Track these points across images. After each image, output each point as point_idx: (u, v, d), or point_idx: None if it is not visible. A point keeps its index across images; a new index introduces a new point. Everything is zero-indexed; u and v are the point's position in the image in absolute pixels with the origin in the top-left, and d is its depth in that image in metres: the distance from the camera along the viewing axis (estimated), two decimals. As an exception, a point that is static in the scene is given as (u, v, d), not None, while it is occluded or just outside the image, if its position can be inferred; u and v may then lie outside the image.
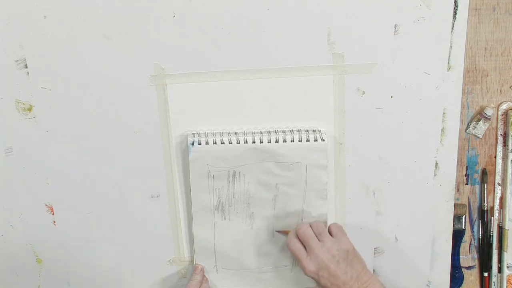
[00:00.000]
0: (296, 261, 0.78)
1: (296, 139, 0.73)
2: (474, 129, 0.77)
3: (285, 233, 0.76)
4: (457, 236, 0.81)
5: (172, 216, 0.78)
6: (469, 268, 0.83)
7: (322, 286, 0.69)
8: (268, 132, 0.74)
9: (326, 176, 0.75)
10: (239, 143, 0.73)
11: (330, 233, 0.72)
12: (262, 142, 0.73)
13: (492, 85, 0.76)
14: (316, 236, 0.71)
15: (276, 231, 0.77)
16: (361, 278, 0.69)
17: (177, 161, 0.76)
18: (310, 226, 0.72)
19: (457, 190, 0.80)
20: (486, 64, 0.75)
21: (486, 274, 0.82)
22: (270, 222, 0.77)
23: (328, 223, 0.76)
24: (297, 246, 0.71)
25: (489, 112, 0.76)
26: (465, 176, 0.80)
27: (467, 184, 0.80)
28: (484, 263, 0.82)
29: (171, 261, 0.81)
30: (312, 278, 0.70)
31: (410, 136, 0.75)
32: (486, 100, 0.77)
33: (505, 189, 0.79)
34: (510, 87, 0.76)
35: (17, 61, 0.72)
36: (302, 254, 0.70)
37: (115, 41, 0.71)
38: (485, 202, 0.80)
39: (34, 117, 0.74)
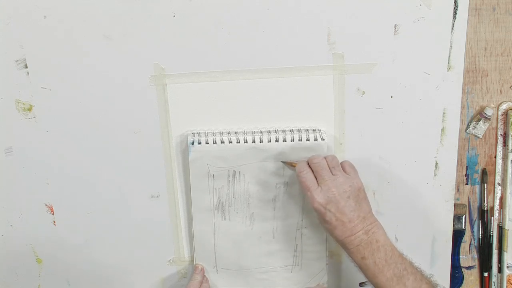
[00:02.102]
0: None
1: (296, 139, 0.73)
2: (474, 129, 0.77)
3: (291, 165, 0.73)
4: (457, 236, 0.81)
5: (172, 216, 0.78)
6: (469, 268, 0.83)
7: (325, 221, 0.67)
8: (268, 132, 0.74)
9: (326, 176, 0.75)
10: (239, 142, 0.73)
11: (343, 169, 0.70)
12: (262, 142, 0.73)
13: (492, 85, 0.76)
14: (329, 169, 0.69)
15: (282, 161, 0.74)
16: (367, 220, 0.67)
17: (177, 161, 0.76)
18: (325, 158, 0.70)
19: (457, 190, 0.80)
20: (486, 64, 0.75)
21: (486, 274, 0.82)
22: (270, 222, 0.77)
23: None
24: (308, 175, 0.68)
25: (489, 112, 0.76)
26: (465, 176, 0.80)
27: (467, 184, 0.80)
28: (484, 263, 0.82)
29: (171, 261, 0.81)
30: (318, 211, 0.67)
31: (410, 136, 0.75)
32: (486, 100, 0.77)
33: (505, 189, 0.79)
34: (510, 87, 0.76)
35: (17, 61, 0.72)
36: (313, 184, 0.68)
37: (115, 41, 0.71)
38: (485, 202, 0.80)
39: (34, 117, 0.74)
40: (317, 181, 0.68)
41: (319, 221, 0.70)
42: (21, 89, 0.73)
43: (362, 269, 0.67)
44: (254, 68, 0.72)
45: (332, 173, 0.68)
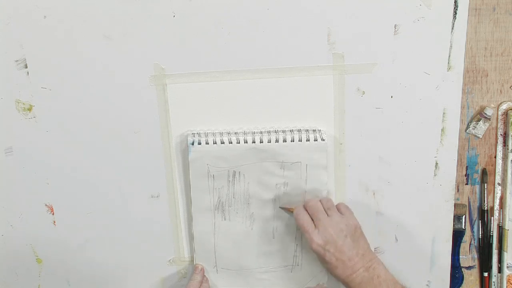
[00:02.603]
0: (302, 237, 0.76)
1: (296, 139, 0.73)
2: (474, 129, 0.77)
3: (289, 210, 0.75)
4: (457, 236, 0.81)
5: (172, 216, 0.78)
6: (469, 268, 0.83)
7: (326, 262, 0.68)
8: (268, 132, 0.74)
9: (326, 176, 0.75)
10: (239, 143, 0.73)
11: (338, 210, 0.72)
12: (262, 142, 0.73)
13: (492, 85, 0.76)
14: (325, 210, 0.71)
15: (280, 207, 0.76)
16: (366, 256, 0.68)
17: (177, 161, 0.76)
18: (320, 201, 0.72)
19: (457, 190, 0.80)
20: (486, 64, 0.75)
21: (486, 274, 0.82)
22: (270, 222, 0.77)
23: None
24: (306, 218, 0.70)
25: (489, 112, 0.76)
26: (465, 176, 0.80)
27: (467, 184, 0.80)
28: (484, 263, 0.82)
29: (171, 261, 0.81)
30: (317, 252, 0.69)
31: (410, 136, 0.75)
32: (486, 100, 0.77)
33: (505, 189, 0.79)
34: (510, 87, 0.76)
35: (17, 61, 0.72)
36: (310, 226, 0.69)
37: (115, 41, 0.71)
38: (485, 202, 0.80)
39: (34, 117, 0.74)
40: (314, 223, 0.70)
41: (320, 261, 0.71)
42: (21, 89, 0.73)
43: None
44: (254, 68, 0.72)
45: (327, 214, 0.70)
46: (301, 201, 0.75)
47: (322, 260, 0.70)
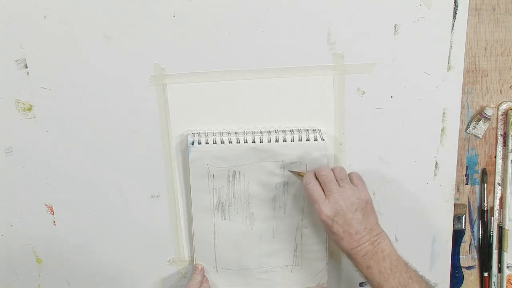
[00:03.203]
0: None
1: (296, 139, 0.73)
2: (474, 129, 0.77)
3: (299, 174, 0.74)
4: (457, 236, 0.81)
5: (172, 216, 0.78)
6: (469, 268, 0.83)
7: (333, 232, 0.68)
8: (268, 132, 0.74)
9: (326, 176, 0.75)
10: (239, 142, 0.73)
11: (351, 181, 0.70)
12: (262, 142, 0.73)
13: (492, 85, 0.76)
14: (337, 181, 0.69)
15: (289, 170, 0.74)
16: (373, 231, 0.68)
17: (177, 161, 0.76)
18: (332, 170, 0.70)
19: (457, 190, 0.80)
20: (486, 64, 0.75)
21: (486, 274, 0.82)
22: (270, 222, 0.77)
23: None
24: (316, 188, 0.69)
25: (489, 112, 0.76)
26: (465, 176, 0.80)
27: (467, 184, 0.80)
28: (484, 263, 0.82)
29: (171, 261, 0.81)
30: (325, 222, 0.68)
31: (410, 136, 0.75)
32: (486, 100, 0.77)
33: (505, 189, 0.79)
34: (510, 87, 0.76)
35: (17, 61, 0.72)
36: (320, 196, 0.68)
37: (115, 41, 0.71)
38: (485, 202, 0.80)
39: (34, 117, 0.74)
40: (324, 193, 0.68)
41: (326, 231, 0.70)
42: (21, 89, 0.73)
43: (368, 278, 0.67)
44: (254, 68, 0.72)
45: (339, 185, 0.69)
46: (300, 204, 0.75)
47: (329, 231, 0.68)
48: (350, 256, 0.68)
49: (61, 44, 0.71)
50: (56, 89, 0.73)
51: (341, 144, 0.75)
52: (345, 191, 0.68)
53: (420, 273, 0.69)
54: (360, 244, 0.67)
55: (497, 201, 0.80)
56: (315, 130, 0.74)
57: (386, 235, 0.69)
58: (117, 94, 0.73)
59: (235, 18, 0.70)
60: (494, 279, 0.82)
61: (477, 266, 0.83)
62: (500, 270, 0.81)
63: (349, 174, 0.71)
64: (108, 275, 0.81)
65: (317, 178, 0.70)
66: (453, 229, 0.79)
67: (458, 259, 0.82)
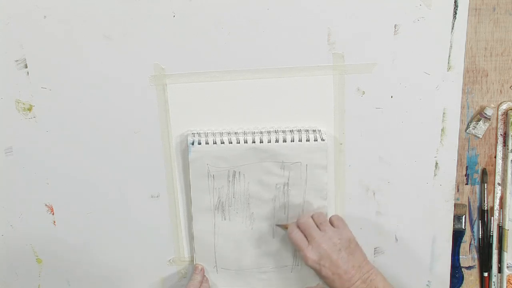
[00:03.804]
0: (297, 254, 0.77)
1: (296, 139, 0.73)
2: (474, 129, 0.77)
3: (285, 227, 0.76)
4: (457, 236, 0.81)
5: (172, 216, 0.78)
6: (469, 268, 0.83)
7: (323, 276, 0.69)
8: (268, 132, 0.74)
9: (326, 176, 0.75)
10: (239, 143, 0.73)
11: (331, 223, 0.72)
12: (262, 142, 0.73)
13: (492, 85, 0.76)
14: (317, 226, 0.70)
15: (276, 225, 0.77)
16: (363, 268, 0.68)
17: (177, 161, 0.76)
18: (311, 217, 0.72)
19: (457, 190, 0.80)
20: (486, 64, 0.75)
21: (486, 274, 0.82)
22: (270, 222, 0.77)
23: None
24: (298, 236, 0.70)
25: (489, 112, 0.76)
26: (465, 176, 0.80)
27: (467, 184, 0.80)
28: (484, 263, 0.82)
29: (171, 261, 0.81)
30: (313, 268, 0.69)
31: (410, 136, 0.75)
32: (486, 100, 0.77)
33: (505, 189, 0.79)
34: (510, 87, 0.76)
35: (17, 61, 0.72)
36: (303, 243, 0.69)
37: (115, 41, 0.71)
38: (485, 202, 0.80)
39: (34, 117, 0.74)
40: (307, 240, 0.70)
41: (318, 276, 0.70)
42: (21, 89, 0.73)
43: None
44: (254, 68, 0.72)
45: (320, 230, 0.70)
46: (300, 204, 0.75)
47: (319, 276, 0.70)
48: None
49: (61, 44, 0.71)
50: (56, 89, 0.73)
51: (341, 144, 0.75)
52: (326, 234, 0.69)
53: None
54: (353, 283, 0.67)
55: (497, 201, 0.80)
56: (315, 130, 0.74)
57: (378, 271, 0.69)
58: (117, 94, 0.73)
59: (235, 18, 0.70)
60: (494, 279, 0.82)
61: (477, 266, 0.83)
62: (500, 270, 0.81)
63: (329, 218, 0.73)
64: (108, 275, 0.81)
65: (299, 227, 0.71)
66: (453, 229, 0.79)
67: (458, 259, 0.82)
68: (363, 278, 0.68)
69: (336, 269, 0.67)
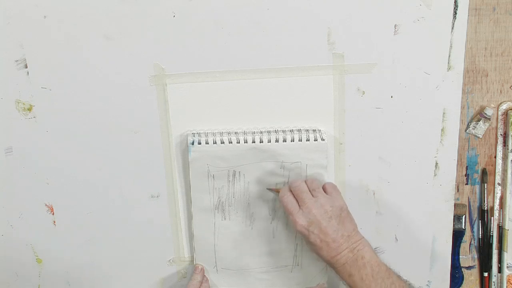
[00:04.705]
0: (300, 238, 0.76)
1: (296, 139, 0.73)
2: (474, 129, 0.77)
3: (276, 191, 0.75)
4: (457, 236, 0.81)
5: (172, 216, 0.78)
6: (469, 268, 0.83)
7: (310, 243, 0.68)
8: (268, 132, 0.74)
9: (326, 176, 0.75)
10: (239, 143, 0.73)
11: (324, 190, 0.71)
12: (262, 142, 0.73)
13: (492, 85, 0.76)
14: (310, 191, 0.70)
15: (267, 188, 0.75)
16: (352, 238, 0.68)
17: (177, 161, 0.76)
18: (305, 181, 0.71)
19: (457, 190, 0.80)
20: (486, 64, 0.75)
21: (486, 274, 0.82)
22: (270, 222, 0.77)
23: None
24: (289, 199, 0.69)
25: (489, 112, 0.76)
26: (465, 176, 0.80)
27: (467, 184, 0.80)
28: (484, 263, 0.82)
29: (171, 261, 0.81)
30: (302, 233, 0.68)
31: (410, 136, 0.75)
32: (486, 100, 0.77)
33: (505, 189, 0.79)
34: (510, 87, 0.76)
35: (17, 61, 0.72)
36: (294, 207, 0.69)
37: (115, 41, 0.71)
38: (485, 202, 0.80)
39: (34, 117, 0.74)
40: (298, 204, 0.69)
41: (305, 242, 0.70)
42: (21, 89, 0.73)
43: (350, 286, 0.67)
44: (254, 68, 0.72)
45: (312, 195, 0.69)
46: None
47: (307, 241, 0.69)
48: (331, 265, 0.68)
49: (61, 44, 0.71)
50: (56, 89, 0.73)
51: (341, 144, 0.75)
52: (318, 200, 0.68)
53: (404, 278, 0.69)
54: (339, 252, 0.67)
55: (497, 201, 0.80)
56: (315, 130, 0.74)
57: (367, 241, 0.69)
58: (117, 94, 0.73)
59: (235, 18, 0.70)
60: (494, 279, 0.82)
61: (477, 266, 0.83)
62: (500, 270, 0.81)
63: (323, 185, 0.72)
64: (108, 275, 0.81)
65: (291, 191, 0.70)
66: (453, 229, 0.79)
67: (458, 259, 0.82)
68: (351, 248, 0.67)
69: (325, 237, 0.67)
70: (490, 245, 0.81)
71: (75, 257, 0.80)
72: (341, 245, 0.67)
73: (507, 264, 0.80)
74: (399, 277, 0.68)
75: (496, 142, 0.78)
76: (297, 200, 0.69)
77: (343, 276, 0.67)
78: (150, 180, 0.77)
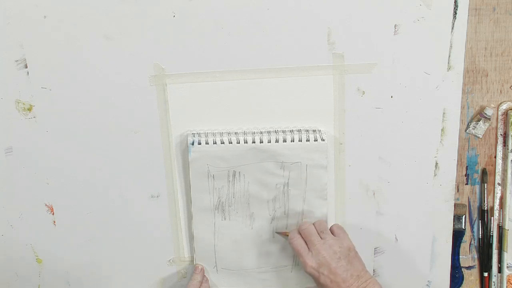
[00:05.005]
0: (297, 259, 0.78)
1: (296, 139, 0.73)
2: (474, 129, 0.77)
3: (285, 234, 0.76)
4: (457, 236, 0.81)
5: (172, 216, 0.78)
6: (469, 268, 0.83)
7: (321, 284, 0.69)
8: (268, 132, 0.74)
9: (326, 176, 0.75)
10: (239, 143, 0.73)
11: (332, 232, 0.72)
12: (262, 142, 0.73)
13: (492, 85, 0.76)
14: (318, 233, 0.71)
15: (276, 232, 0.77)
16: (361, 278, 0.68)
17: (177, 161, 0.76)
18: (313, 224, 0.73)
19: (457, 190, 0.80)
20: (486, 64, 0.75)
21: (486, 274, 0.82)
22: (270, 222, 0.77)
23: (329, 223, 0.76)
24: (299, 242, 0.71)
25: (489, 112, 0.76)
26: (465, 176, 0.80)
27: (467, 184, 0.80)
28: (484, 263, 0.82)
29: (171, 261, 0.81)
30: (312, 275, 0.69)
31: (410, 136, 0.75)
32: (486, 100, 0.77)
33: (505, 189, 0.79)
34: (510, 87, 0.76)
35: (17, 61, 0.72)
36: (304, 249, 0.70)
37: (115, 41, 0.71)
38: (485, 202, 0.80)
39: (34, 117, 0.74)
40: (307, 246, 0.70)
41: (316, 284, 0.71)
42: (21, 89, 0.73)
43: None
44: (254, 68, 0.72)
45: (321, 237, 0.71)
46: (300, 204, 0.75)
47: (317, 283, 0.70)
48: None
49: (61, 44, 0.71)
50: (56, 89, 0.73)
51: (341, 144, 0.75)
52: (326, 241, 0.70)
53: None
54: None
55: (497, 201, 0.80)
56: (315, 130, 0.74)
57: (376, 281, 0.70)
58: (117, 94, 0.73)
59: (235, 18, 0.70)
60: (494, 279, 0.82)
61: (477, 266, 0.83)
62: (500, 270, 0.81)
63: (330, 227, 0.73)
64: (108, 275, 0.81)
65: (300, 234, 0.72)
66: (453, 229, 0.79)
67: (458, 259, 0.82)
68: (361, 287, 0.68)
69: (335, 277, 0.68)
70: (490, 245, 0.81)
71: (75, 257, 0.80)
72: (351, 285, 0.68)
73: (507, 264, 0.80)
74: None
75: (496, 142, 0.78)
76: (306, 242, 0.71)
77: None
78: (150, 180, 0.77)
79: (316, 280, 0.70)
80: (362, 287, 0.68)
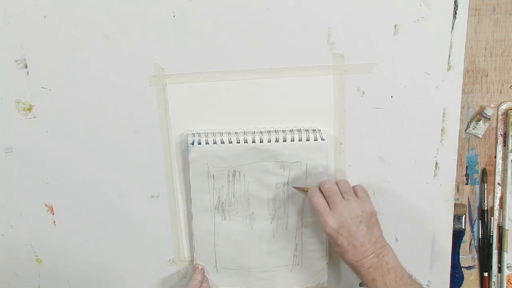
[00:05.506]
0: (317, 218, 0.73)
1: (296, 139, 0.73)
2: (474, 129, 0.77)
3: (303, 190, 0.74)
4: (457, 236, 0.81)
5: (172, 216, 0.78)
6: (469, 268, 0.83)
7: (338, 245, 0.68)
8: (268, 132, 0.74)
9: (326, 176, 0.75)
10: (239, 142, 0.73)
11: (355, 193, 0.71)
12: (262, 142, 0.73)
13: (492, 85, 0.76)
14: (341, 193, 0.70)
15: (293, 187, 0.75)
16: (378, 244, 0.68)
17: (177, 161, 0.76)
18: (336, 183, 0.71)
19: (457, 190, 0.80)
20: (486, 64, 0.75)
21: (486, 274, 0.82)
22: (270, 221, 0.77)
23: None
24: (320, 201, 0.69)
25: (489, 112, 0.76)
26: (465, 176, 0.80)
27: (467, 184, 0.80)
28: (484, 263, 0.82)
29: (171, 261, 0.81)
30: (330, 235, 0.68)
31: (410, 136, 0.75)
32: (486, 100, 0.77)
33: (505, 189, 0.79)
34: (510, 87, 0.76)
35: (17, 61, 0.72)
36: (325, 209, 0.69)
37: (115, 41, 0.71)
38: (485, 202, 0.80)
39: (34, 117, 0.74)
40: (329, 205, 0.69)
41: (331, 244, 0.70)
42: (21, 89, 0.73)
43: None
44: (254, 68, 0.72)
45: (344, 198, 0.70)
46: (300, 204, 0.75)
47: (334, 243, 0.69)
48: (355, 268, 0.69)
49: (61, 44, 0.71)
50: (56, 89, 0.73)
51: (341, 144, 0.75)
52: (349, 203, 0.69)
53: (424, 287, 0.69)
54: (365, 257, 0.67)
55: (497, 201, 0.80)
56: (315, 130, 0.74)
57: (391, 248, 0.69)
58: (117, 94, 0.73)
59: (235, 18, 0.70)
60: (494, 279, 0.82)
61: (477, 266, 0.83)
62: (500, 270, 0.81)
63: (353, 187, 0.72)
64: (108, 275, 0.81)
65: (321, 192, 0.70)
66: (453, 229, 0.79)
67: (458, 259, 0.82)
68: (376, 253, 0.68)
69: (353, 240, 0.67)
70: (490, 245, 0.81)
71: (75, 257, 0.80)
72: (367, 249, 0.67)
73: (507, 264, 0.80)
74: (420, 285, 0.69)
75: (496, 142, 0.78)
76: (328, 202, 0.69)
77: (366, 280, 0.68)
78: (150, 180, 0.77)
79: (333, 240, 0.69)
80: (377, 253, 0.68)
